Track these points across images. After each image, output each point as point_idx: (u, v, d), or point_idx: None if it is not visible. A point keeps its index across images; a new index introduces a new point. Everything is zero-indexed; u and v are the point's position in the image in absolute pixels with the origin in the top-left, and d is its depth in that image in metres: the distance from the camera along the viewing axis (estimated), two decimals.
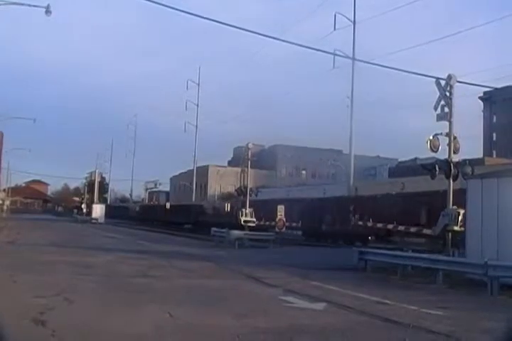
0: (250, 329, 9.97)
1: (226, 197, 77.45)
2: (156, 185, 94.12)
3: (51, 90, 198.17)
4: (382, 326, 10.90)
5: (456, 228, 20.89)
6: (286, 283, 16.74)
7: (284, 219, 39.29)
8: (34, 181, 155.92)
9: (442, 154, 22.21)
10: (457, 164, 21.24)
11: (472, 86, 26.10)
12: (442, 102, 21.52)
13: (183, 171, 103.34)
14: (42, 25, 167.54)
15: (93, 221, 76.28)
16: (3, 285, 14.06)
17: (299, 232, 46.72)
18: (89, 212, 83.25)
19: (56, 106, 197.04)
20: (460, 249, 20.37)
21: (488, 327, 10.58)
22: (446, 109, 21.43)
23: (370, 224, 36.31)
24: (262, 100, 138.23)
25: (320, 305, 12.92)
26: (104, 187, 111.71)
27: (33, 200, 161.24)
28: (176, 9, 20.61)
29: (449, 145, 21.36)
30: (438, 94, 21.61)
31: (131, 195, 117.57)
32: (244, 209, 40.04)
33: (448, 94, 21.40)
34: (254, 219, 40.11)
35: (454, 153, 21.41)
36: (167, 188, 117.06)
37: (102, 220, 77.79)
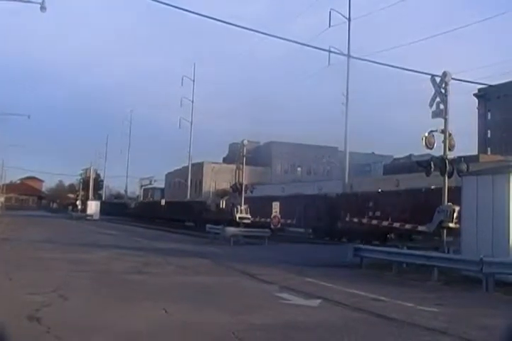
0: (246, 325, 9.98)
1: (221, 193, 77.38)
2: (151, 181, 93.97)
3: (46, 87, 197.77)
4: (377, 322, 10.93)
5: (451, 225, 20.94)
6: (282, 280, 16.77)
7: (279, 216, 39.36)
8: (29, 178, 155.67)
9: (437, 151, 22.25)
10: (452, 161, 21.27)
11: (467, 83, 26.10)
12: (437, 99, 21.54)
13: (178, 168, 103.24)
14: (36, 22, 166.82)
15: (88, 217, 76.19)
16: None
17: (309, 230, 45.68)
18: (84, 209, 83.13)
19: (51, 102, 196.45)
20: (455, 245, 20.43)
21: (484, 323, 10.63)
22: (442, 106, 21.45)
23: (385, 223, 35.03)
24: (258, 97, 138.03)
25: (315, 302, 12.94)
26: (99, 183, 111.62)
27: (28, 197, 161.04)
28: (171, 6, 20.53)
29: (444, 142, 21.39)
30: (433, 91, 21.63)
31: (126, 192, 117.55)
32: (239, 206, 40.04)
33: (443, 91, 21.42)
34: (249, 216, 40.11)
35: (449, 150, 21.43)
36: (162, 185, 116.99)
37: (97, 217, 77.71)
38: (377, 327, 10.50)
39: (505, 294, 15.19)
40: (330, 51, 42.49)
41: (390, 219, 34.79)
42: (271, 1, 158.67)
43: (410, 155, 73.60)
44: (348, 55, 48.81)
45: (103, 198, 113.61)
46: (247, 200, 39.69)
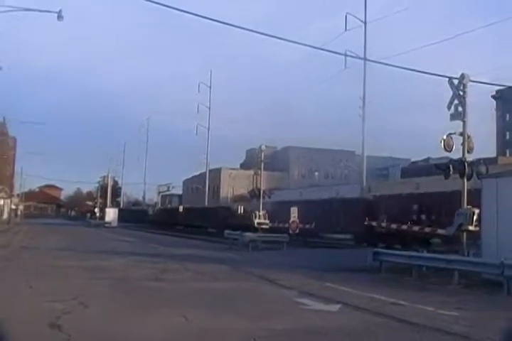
0: (266, 331, 9.93)
1: (239, 199, 77.41)
2: (168, 188, 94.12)
3: (64, 95, 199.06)
4: (398, 327, 10.84)
5: (470, 228, 20.77)
6: (301, 285, 16.70)
7: (298, 221, 39.23)
8: (47, 186, 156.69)
9: (455, 154, 22.10)
10: (471, 163, 21.12)
11: (484, 85, 25.88)
12: (456, 101, 21.40)
13: (196, 174, 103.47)
14: (54, 29, 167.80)
15: (106, 225, 76.53)
16: (19, 291, 14.14)
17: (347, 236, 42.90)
18: (103, 216, 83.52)
19: (69, 110, 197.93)
20: (475, 248, 20.27)
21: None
22: (460, 108, 21.31)
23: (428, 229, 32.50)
24: (274, 102, 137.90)
25: (335, 307, 12.86)
26: (116, 191, 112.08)
27: (47, 205, 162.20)
28: (186, 12, 20.54)
29: (463, 144, 21.22)
30: (451, 93, 21.49)
31: (144, 199, 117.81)
32: (257, 212, 40.02)
33: (461, 93, 21.28)
34: (268, 221, 40.09)
35: (468, 152, 21.26)
36: (180, 191, 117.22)
37: (115, 224, 78.02)
38: (398, 332, 10.42)
39: None
40: (346, 55, 42.43)
41: (433, 223, 32.45)
42: (286, 5, 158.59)
43: (428, 158, 73.34)
44: (365, 59, 48.72)
45: (121, 205, 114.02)
46: (270, 205, 39.51)
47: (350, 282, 17.57)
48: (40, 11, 32.74)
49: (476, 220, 20.35)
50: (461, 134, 21.31)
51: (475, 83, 22.36)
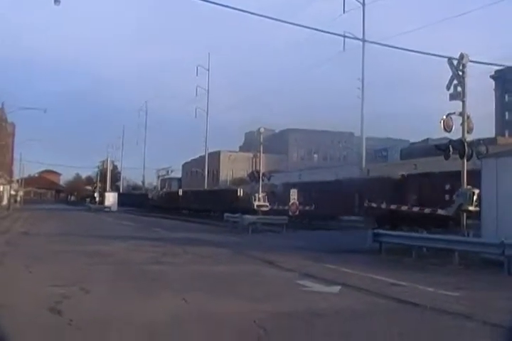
0: (267, 314, 9.91)
1: (238, 182, 77.35)
2: (168, 172, 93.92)
3: (61, 80, 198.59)
4: (399, 308, 10.84)
5: (471, 208, 20.77)
6: (302, 267, 16.70)
7: (297, 203, 39.22)
8: (46, 171, 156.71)
9: (454, 135, 22.04)
10: (471, 144, 21.08)
11: (483, 65, 25.75)
12: (455, 81, 21.31)
13: (195, 157, 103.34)
14: (48, 14, 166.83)
15: (106, 209, 76.64)
16: (19, 276, 14.13)
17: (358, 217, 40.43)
18: (102, 201, 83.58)
19: (66, 95, 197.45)
20: (475, 228, 20.28)
21: (508, 307, 10.50)
22: (459, 89, 21.22)
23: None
24: (273, 85, 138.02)
25: (336, 288, 12.86)
26: (116, 175, 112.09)
27: (46, 190, 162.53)
28: None
29: (462, 124, 21.17)
30: (450, 73, 21.39)
31: (143, 183, 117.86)
32: (257, 194, 40.04)
33: (461, 73, 21.18)
34: (267, 204, 40.11)
35: (468, 132, 21.22)
36: (179, 175, 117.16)
37: (114, 208, 78.15)
38: (399, 313, 10.42)
39: None
40: (345, 36, 42.13)
41: None
42: None
43: (427, 139, 73.12)
44: (363, 40, 48.48)
45: (121, 190, 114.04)
46: (281, 187, 39.01)
47: (350, 263, 17.57)
48: None
49: (476, 200, 20.35)
50: (461, 114, 21.24)
51: (474, 63, 22.24)
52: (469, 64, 21.59)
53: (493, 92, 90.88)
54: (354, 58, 54.52)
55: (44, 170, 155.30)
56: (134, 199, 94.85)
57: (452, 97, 21.47)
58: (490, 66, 22.21)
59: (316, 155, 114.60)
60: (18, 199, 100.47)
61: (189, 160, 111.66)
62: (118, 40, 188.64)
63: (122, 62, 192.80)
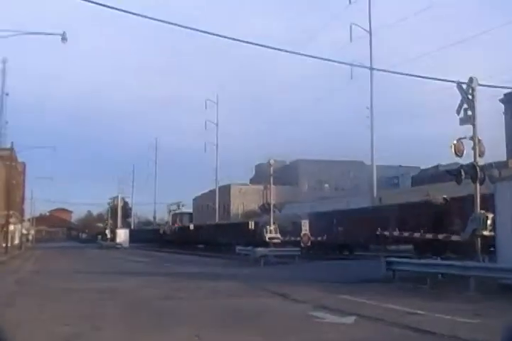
0: None
1: (249, 215, 77.12)
2: (178, 206, 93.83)
3: (70, 117, 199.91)
4: (416, 337, 10.62)
5: (485, 233, 20.49)
6: (315, 298, 16.46)
7: (309, 234, 38.98)
8: (58, 209, 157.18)
9: (465, 160, 21.88)
10: (483, 167, 20.89)
11: (491, 88, 25.65)
12: (465, 105, 21.19)
13: (205, 192, 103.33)
14: (56, 51, 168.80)
15: (118, 246, 76.44)
16: (30, 316, 13.92)
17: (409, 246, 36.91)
18: (114, 238, 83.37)
19: (76, 133, 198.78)
20: (490, 254, 20.00)
21: None
22: (469, 112, 21.09)
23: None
24: (282, 116, 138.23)
25: (350, 319, 12.62)
26: (127, 211, 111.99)
27: (58, 228, 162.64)
28: (192, 29, 20.46)
29: (474, 148, 20.98)
30: (460, 97, 21.30)
31: (154, 218, 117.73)
32: (268, 226, 39.85)
33: (470, 97, 21.08)
34: (279, 236, 39.91)
35: (479, 156, 21.03)
36: (190, 209, 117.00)
37: (126, 245, 77.93)
38: None
39: None
40: (352, 64, 42.26)
41: None
42: (292, 21, 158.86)
43: (438, 165, 72.88)
44: (371, 68, 48.53)
45: (132, 226, 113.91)
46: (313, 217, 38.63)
47: (364, 293, 17.34)
48: (45, 34, 33.04)
49: (490, 225, 20.09)
50: (472, 138, 21.08)
51: (483, 87, 22.13)
52: (478, 88, 21.51)
53: (503, 116, 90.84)
54: (363, 86, 54.51)
55: (55, 208, 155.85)
56: (145, 235, 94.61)
57: (462, 121, 21.32)
58: (499, 89, 22.04)
59: (326, 185, 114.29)
60: (30, 238, 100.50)
61: (200, 194, 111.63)
62: (129, 76, 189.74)
63: (132, 98, 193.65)
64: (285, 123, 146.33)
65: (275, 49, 23.24)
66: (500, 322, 11.40)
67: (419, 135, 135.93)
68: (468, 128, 21.32)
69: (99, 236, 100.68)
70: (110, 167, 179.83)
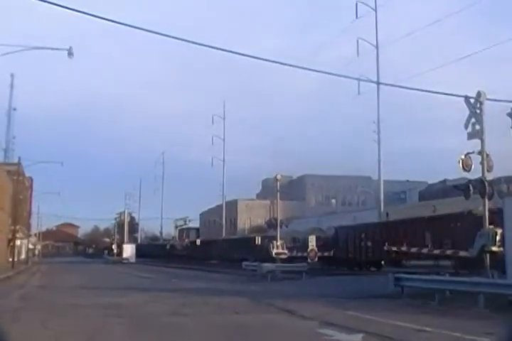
0: None
1: (256, 230, 76.97)
2: (185, 221, 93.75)
3: (76, 133, 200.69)
4: None
5: (494, 248, 20.30)
6: (322, 315, 16.28)
7: (316, 250, 38.80)
8: (64, 224, 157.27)
9: (472, 175, 21.73)
10: (492, 182, 20.75)
11: (499, 103, 25.53)
12: (473, 120, 21.10)
13: (212, 207, 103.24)
14: (62, 66, 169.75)
15: (124, 261, 76.38)
16: (34, 332, 13.77)
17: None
18: (120, 253, 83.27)
19: (82, 148, 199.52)
20: (499, 270, 19.80)
21: None
22: (477, 127, 20.99)
23: None
24: (288, 131, 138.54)
25: (358, 336, 12.47)
26: (133, 226, 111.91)
27: (64, 243, 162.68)
28: (197, 44, 20.47)
29: (482, 163, 20.86)
30: (468, 112, 21.21)
31: (161, 233, 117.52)
32: (275, 242, 39.70)
33: (478, 111, 20.99)
34: (286, 251, 39.74)
35: (488, 171, 20.89)
36: (197, 225, 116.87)
37: (133, 260, 77.84)
38: None
39: None
40: (359, 79, 42.26)
41: None
42: (297, 38, 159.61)
43: (445, 180, 72.74)
44: (378, 82, 48.52)
45: (139, 241, 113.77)
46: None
47: (372, 309, 17.16)
48: (51, 48, 33.23)
49: (499, 240, 19.91)
50: (480, 153, 20.95)
51: (490, 102, 22.03)
52: (485, 102, 21.41)
53: (511, 130, 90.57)
54: (369, 101, 54.42)
55: (62, 223, 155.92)
56: (152, 250, 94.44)
57: (470, 136, 21.22)
58: (506, 104, 21.90)
59: (334, 200, 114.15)
60: (36, 252, 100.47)
61: (206, 209, 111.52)
62: (133, 91, 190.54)
63: (139, 113, 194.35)
64: (292, 138, 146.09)
65: (282, 64, 23.29)
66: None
67: (427, 150, 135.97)
68: (475, 143, 21.22)
69: (106, 251, 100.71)
70: (117, 182, 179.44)
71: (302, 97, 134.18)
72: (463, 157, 20.94)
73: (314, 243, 38.82)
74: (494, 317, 15.39)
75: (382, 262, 36.38)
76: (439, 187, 72.03)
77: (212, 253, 66.48)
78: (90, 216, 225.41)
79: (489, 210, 21.04)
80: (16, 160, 62.51)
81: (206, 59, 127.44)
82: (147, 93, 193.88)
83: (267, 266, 35.38)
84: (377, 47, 53.71)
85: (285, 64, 23.45)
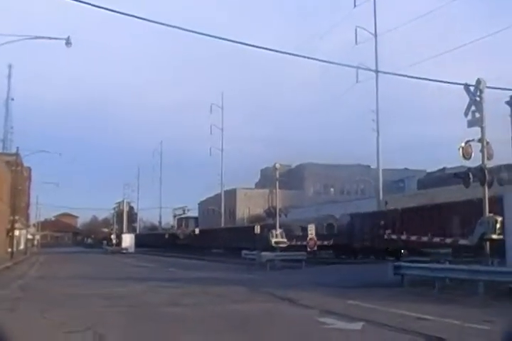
0: None
1: (255, 219, 76.93)
2: (184, 211, 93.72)
3: (76, 123, 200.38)
4: None
5: (494, 236, 20.26)
6: (322, 304, 16.25)
7: (315, 238, 38.78)
8: (63, 214, 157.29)
9: (471, 163, 21.62)
10: (492, 170, 20.66)
11: (497, 91, 25.41)
12: (473, 108, 20.98)
13: (211, 196, 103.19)
14: (63, 57, 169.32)
15: (123, 251, 76.40)
16: (33, 322, 13.73)
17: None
18: (119, 243, 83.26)
19: (81, 138, 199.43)
20: (499, 257, 19.78)
21: None
22: (477, 115, 20.88)
23: None
24: (287, 120, 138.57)
25: (358, 325, 12.40)
26: (132, 216, 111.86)
27: (63, 233, 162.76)
28: (195, 32, 20.34)
29: (482, 151, 20.75)
30: (467, 100, 21.09)
31: (160, 223, 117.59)
32: (274, 231, 39.64)
33: (478, 99, 20.88)
34: (285, 240, 39.69)
35: (488, 159, 20.79)
36: (195, 214, 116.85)
37: (132, 250, 77.84)
38: None
39: None
40: (358, 67, 42.12)
41: None
42: (297, 26, 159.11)
43: (444, 168, 72.63)
44: (376, 71, 48.36)
45: (137, 231, 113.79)
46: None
47: (371, 298, 17.14)
48: (49, 38, 33.02)
49: (499, 228, 19.85)
50: (480, 141, 20.85)
51: (489, 89, 21.90)
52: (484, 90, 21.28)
53: (510, 119, 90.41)
54: (368, 90, 54.23)
55: (61, 214, 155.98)
56: (151, 240, 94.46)
57: (470, 124, 21.11)
58: (505, 92, 21.78)
59: (332, 189, 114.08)
60: (35, 243, 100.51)
61: (205, 198, 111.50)
62: (134, 81, 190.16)
63: (137, 102, 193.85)
64: (290, 127, 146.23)
65: (281, 52, 23.16)
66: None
67: (425, 138, 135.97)
68: (475, 131, 21.11)
69: (105, 241, 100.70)
70: (115, 172, 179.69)
71: (301, 86, 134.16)
72: (463, 145, 20.82)
73: (313, 232, 38.80)
74: (494, 305, 15.40)
75: (402, 251, 35.28)
76: (438, 175, 71.91)
77: (212, 243, 66.52)
78: (89, 206, 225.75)
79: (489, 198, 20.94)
80: (14, 151, 62.36)
81: (205, 49, 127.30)
82: (146, 83, 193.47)
83: (266, 254, 35.37)
84: (375, 35, 53.47)
85: (285, 52, 23.34)
